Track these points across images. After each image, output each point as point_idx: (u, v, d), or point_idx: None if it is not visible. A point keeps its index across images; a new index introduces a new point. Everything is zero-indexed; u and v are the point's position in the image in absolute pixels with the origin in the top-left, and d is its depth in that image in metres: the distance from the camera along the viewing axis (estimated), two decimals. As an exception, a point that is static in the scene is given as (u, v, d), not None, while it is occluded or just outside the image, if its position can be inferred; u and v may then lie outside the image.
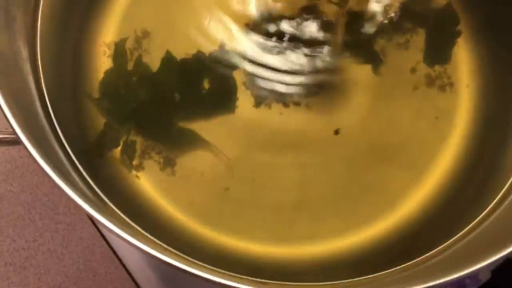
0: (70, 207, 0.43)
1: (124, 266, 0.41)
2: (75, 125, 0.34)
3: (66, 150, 0.32)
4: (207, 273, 0.25)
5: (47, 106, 0.32)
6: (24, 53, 0.31)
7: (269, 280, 0.32)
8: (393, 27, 0.38)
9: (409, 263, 0.33)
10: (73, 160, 0.32)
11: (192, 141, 0.36)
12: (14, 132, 0.24)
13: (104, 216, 0.24)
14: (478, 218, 0.33)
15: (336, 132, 0.36)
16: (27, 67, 0.31)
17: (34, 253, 0.42)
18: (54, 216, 0.43)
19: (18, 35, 0.31)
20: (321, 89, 0.37)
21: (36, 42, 0.33)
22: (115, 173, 0.35)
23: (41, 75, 0.32)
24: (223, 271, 0.29)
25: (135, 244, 0.25)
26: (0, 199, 0.42)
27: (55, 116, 0.32)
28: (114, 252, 0.42)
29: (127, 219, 0.33)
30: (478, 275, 0.47)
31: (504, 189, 0.34)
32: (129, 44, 0.37)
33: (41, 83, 0.32)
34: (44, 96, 0.32)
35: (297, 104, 0.37)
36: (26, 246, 0.42)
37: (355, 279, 0.33)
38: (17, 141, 0.26)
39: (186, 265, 0.25)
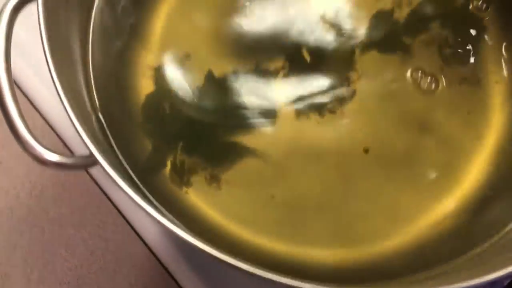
0: (117, 225, 0.45)
1: (173, 278, 0.43)
2: (129, 146, 0.36)
3: (124, 167, 0.34)
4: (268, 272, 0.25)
5: (104, 128, 0.34)
6: (80, 77, 0.33)
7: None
8: (417, 25, 0.39)
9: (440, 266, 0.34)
10: (130, 175, 0.34)
11: (238, 151, 0.38)
12: (90, 156, 0.25)
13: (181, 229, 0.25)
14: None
15: (366, 150, 0.38)
16: (83, 91, 0.33)
17: (87, 271, 0.44)
18: (103, 235, 0.44)
19: (78, 65, 0.33)
20: (354, 95, 0.39)
21: (88, 68, 0.35)
22: (167, 190, 0.36)
23: (96, 99, 0.34)
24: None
25: (203, 249, 0.25)
26: (51, 222, 0.44)
27: (111, 136, 0.34)
28: (163, 266, 0.43)
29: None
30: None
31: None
32: (168, 66, 0.39)
33: (96, 107, 0.34)
34: (99, 117, 0.34)
35: (332, 112, 0.38)
36: (79, 265, 0.44)
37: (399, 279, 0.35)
38: (89, 164, 0.27)
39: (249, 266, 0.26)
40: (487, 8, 0.39)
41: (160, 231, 0.43)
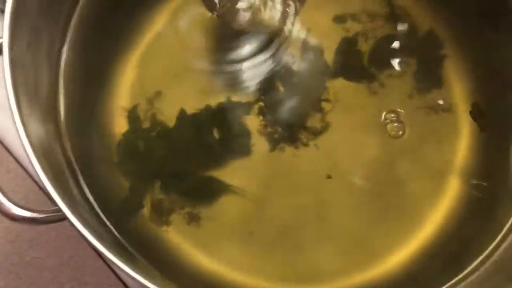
0: (96, 267, 0.44)
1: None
2: (105, 191, 0.35)
3: (97, 213, 0.33)
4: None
5: (76, 174, 0.34)
6: (51, 126, 0.33)
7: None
8: (383, 59, 0.40)
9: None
10: (104, 221, 0.34)
11: (214, 187, 0.38)
12: (59, 210, 0.25)
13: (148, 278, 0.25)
14: (494, 243, 0.35)
15: (329, 176, 0.38)
16: (54, 139, 0.33)
17: (66, 316, 0.43)
18: (82, 278, 0.44)
19: (46, 110, 0.33)
20: (326, 128, 0.39)
21: (59, 115, 0.35)
22: (145, 232, 0.36)
23: (68, 144, 0.34)
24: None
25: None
26: (27, 267, 0.43)
27: (85, 182, 0.34)
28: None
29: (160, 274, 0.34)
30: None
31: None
32: (142, 106, 0.39)
33: (68, 151, 0.34)
34: (72, 164, 0.34)
35: (306, 145, 0.39)
36: (57, 310, 0.43)
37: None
38: (60, 219, 0.27)
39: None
40: (451, 39, 0.40)
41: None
